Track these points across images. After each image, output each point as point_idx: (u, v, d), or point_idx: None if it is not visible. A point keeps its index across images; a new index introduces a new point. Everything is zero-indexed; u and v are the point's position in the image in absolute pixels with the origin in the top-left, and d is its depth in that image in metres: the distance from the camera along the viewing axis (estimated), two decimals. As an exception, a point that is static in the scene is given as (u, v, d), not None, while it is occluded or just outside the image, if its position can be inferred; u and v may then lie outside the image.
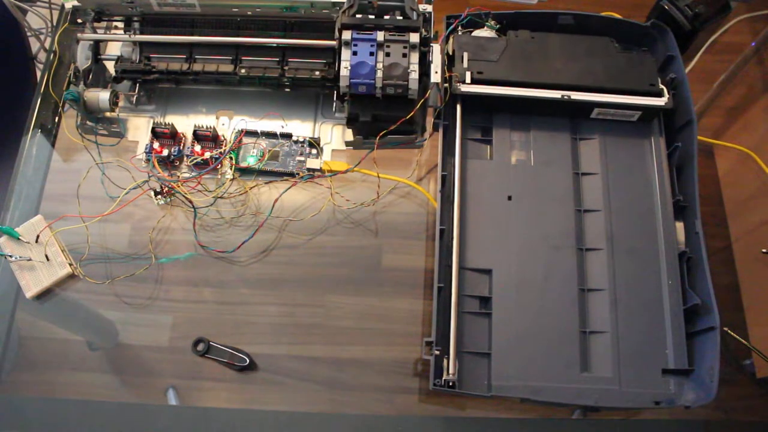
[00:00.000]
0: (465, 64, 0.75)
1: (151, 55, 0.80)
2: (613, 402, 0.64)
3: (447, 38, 0.79)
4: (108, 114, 0.80)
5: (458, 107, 0.74)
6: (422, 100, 0.73)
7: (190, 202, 0.74)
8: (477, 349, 0.66)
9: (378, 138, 0.73)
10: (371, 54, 0.71)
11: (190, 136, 0.78)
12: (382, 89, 0.71)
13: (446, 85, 0.74)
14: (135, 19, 0.79)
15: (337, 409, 0.67)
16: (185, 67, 0.78)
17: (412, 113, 0.73)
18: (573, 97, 0.73)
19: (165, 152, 0.76)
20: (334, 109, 0.80)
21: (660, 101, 0.73)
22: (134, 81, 0.81)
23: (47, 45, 1.05)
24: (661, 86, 0.74)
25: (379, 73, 0.70)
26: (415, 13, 0.72)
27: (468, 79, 0.74)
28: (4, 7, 0.96)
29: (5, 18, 0.97)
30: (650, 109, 0.74)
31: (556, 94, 0.73)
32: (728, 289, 0.73)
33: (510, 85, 0.74)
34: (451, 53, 0.78)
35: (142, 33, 0.79)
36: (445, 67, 0.75)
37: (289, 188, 0.75)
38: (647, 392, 0.65)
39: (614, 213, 0.72)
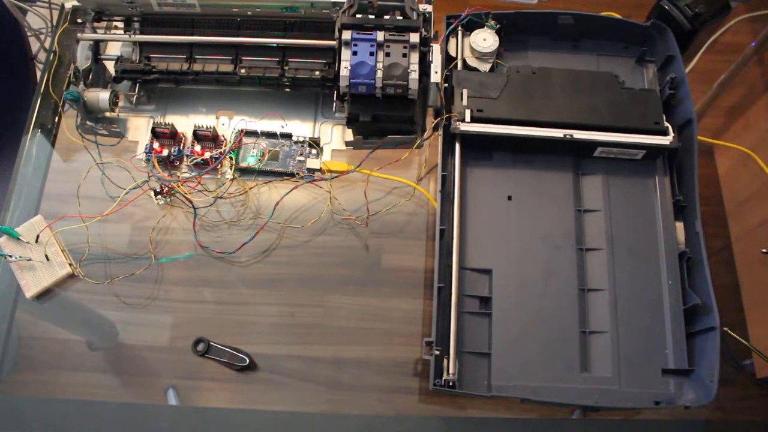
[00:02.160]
0: (464, 102, 0.73)
1: (151, 55, 0.80)
2: (613, 402, 0.64)
3: (447, 38, 0.79)
4: (108, 114, 0.80)
5: (457, 145, 0.73)
6: (437, 117, 0.74)
7: (190, 202, 0.74)
8: (477, 349, 0.66)
9: (379, 140, 0.74)
10: (371, 54, 0.71)
11: (190, 136, 0.78)
12: (382, 89, 0.71)
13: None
14: (135, 19, 0.79)
15: (337, 409, 0.67)
16: (185, 67, 0.78)
17: (434, 123, 0.74)
18: (576, 136, 0.71)
19: (165, 152, 0.76)
20: (334, 109, 0.80)
21: (665, 140, 0.72)
22: (134, 81, 0.81)
23: (47, 45, 1.05)
24: (666, 124, 0.72)
25: (379, 73, 0.70)
26: (415, 13, 0.72)
27: (467, 118, 0.72)
28: (4, 7, 0.96)
29: (5, 18, 0.97)
30: (655, 148, 0.72)
31: (558, 133, 0.71)
32: (728, 289, 0.73)
33: (511, 124, 0.72)
34: (453, 53, 0.78)
35: (142, 33, 0.79)
36: (445, 103, 0.75)
37: (291, 191, 0.75)
38: (647, 392, 0.65)
39: (614, 213, 0.72)
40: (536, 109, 0.73)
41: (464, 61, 0.78)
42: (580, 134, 0.72)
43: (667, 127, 0.72)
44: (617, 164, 0.74)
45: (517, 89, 0.74)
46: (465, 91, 0.74)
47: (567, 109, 0.73)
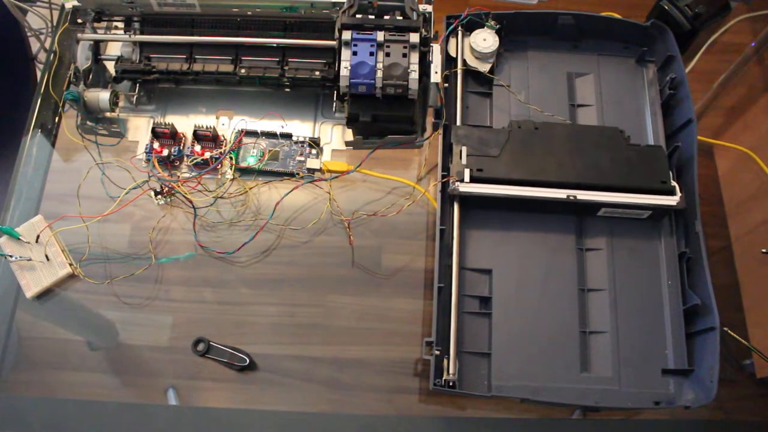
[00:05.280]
0: (464, 161, 0.70)
1: (151, 55, 0.80)
2: (613, 402, 0.64)
3: (447, 38, 0.79)
4: (108, 114, 0.80)
5: (456, 205, 0.70)
6: (437, 117, 0.73)
7: (190, 202, 0.74)
8: (477, 349, 0.66)
9: (379, 140, 0.73)
10: (371, 54, 0.71)
11: (190, 136, 0.78)
12: (382, 89, 0.71)
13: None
14: (135, 19, 0.79)
15: (337, 409, 0.67)
16: (185, 67, 0.78)
17: (441, 132, 0.72)
18: (579, 197, 0.69)
19: (165, 152, 0.76)
20: (334, 109, 0.80)
21: (671, 200, 0.69)
22: (134, 81, 0.81)
23: (47, 45, 1.05)
24: (673, 183, 0.70)
25: (379, 73, 0.70)
26: (415, 13, 0.72)
27: (467, 178, 0.69)
28: (4, 7, 0.96)
29: (5, 18, 0.97)
30: (661, 209, 0.70)
31: (561, 193, 0.69)
32: (728, 289, 0.73)
33: (512, 184, 0.69)
34: (453, 53, 0.78)
35: (142, 33, 0.79)
36: (444, 103, 0.73)
37: (291, 191, 0.75)
38: (647, 392, 0.65)
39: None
40: (538, 168, 0.70)
41: (464, 62, 0.78)
42: (583, 195, 0.69)
43: (674, 187, 0.70)
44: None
45: (518, 146, 0.71)
46: (464, 149, 0.71)
47: (570, 167, 0.70)
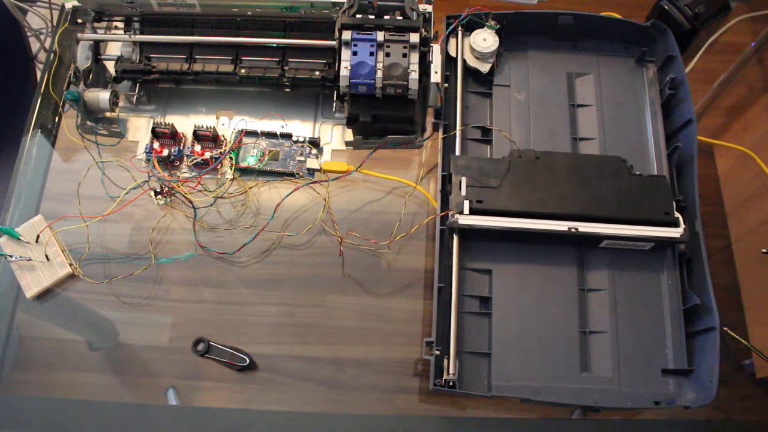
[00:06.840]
0: (463, 192, 0.69)
1: (151, 55, 0.80)
2: (613, 402, 0.64)
3: (447, 38, 0.79)
4: (108, 114, 0.80)
5: (455, 238, 0.69)
6: (437, 117, 0.73)
7: (190, 202, 0.74)
8: (477, 349, 0.66)
9: (379, 140, 0.73)
10: (371, 54, 0.71)
11: (190, 136, 0.78)
12: (382, 89, 0.71)
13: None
14: (135, 19, 0.79)
15: (337, 409, 0.67)
16: (185, 67, 0.78)
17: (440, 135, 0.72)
18: (581, 229, 0.67)
19: (165, 152, 0.76)
20: (334, 109, 0.80)
21: (675, 232, 0.67)
22: (134, 81, 0.81)
23: (47, 45, 1.05)
24: (677, 215, 0.68)
25: (379, 73, 0.70)
26: (415, 13, 0.72)
27: (466, 210, 0.68)
28: (4, 7, 0.96)
29: (5, 18, 0.97)
30: (664, 241, 0.68)
31: (562, 226, 0.67)
32: (728, 289, 0.73)
33: (512, 215, 0.68)
34: (453, 53, 0.78)
35: (142, 33, 0.79)
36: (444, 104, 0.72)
37: (291, 193, 0.75)
38: (647, 392, 0.65)
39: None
40: (539, 200, 0.69)
41: (464, 62, 0.78)
42: (585, 227, 0.67)
43: (678, 218, 0.68)
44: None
45: (518, 177, 0.70)
46: (464, 180, 0.70)
47: (572, 198, 0.69)
